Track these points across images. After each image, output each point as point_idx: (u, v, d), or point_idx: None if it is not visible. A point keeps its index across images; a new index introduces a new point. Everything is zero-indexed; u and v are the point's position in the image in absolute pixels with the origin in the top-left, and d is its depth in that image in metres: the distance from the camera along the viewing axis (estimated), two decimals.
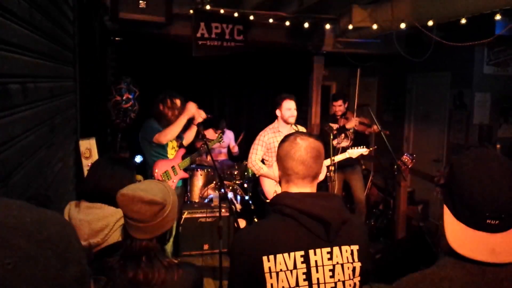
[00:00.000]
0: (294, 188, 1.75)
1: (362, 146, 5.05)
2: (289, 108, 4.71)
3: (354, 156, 5.08)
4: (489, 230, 1.20)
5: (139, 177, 4.71)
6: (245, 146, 7.18)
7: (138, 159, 5.93)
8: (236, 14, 5.96)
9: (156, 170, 4.47)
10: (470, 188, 1.23)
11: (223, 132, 5.31)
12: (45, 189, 2.45)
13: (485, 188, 1.20)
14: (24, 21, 2.02)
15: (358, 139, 5.96)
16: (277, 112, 4.80)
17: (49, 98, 2.64)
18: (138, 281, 1.62)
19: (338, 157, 5.06)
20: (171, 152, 4.64)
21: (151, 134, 4.45)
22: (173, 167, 4.58)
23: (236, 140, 7.44)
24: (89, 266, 0.73)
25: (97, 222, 1.90)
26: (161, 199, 1.65)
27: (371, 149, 5.09)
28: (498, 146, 5.89)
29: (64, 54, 3.24)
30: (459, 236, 1.24)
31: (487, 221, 1.19)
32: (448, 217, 1.29)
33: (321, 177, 1.83)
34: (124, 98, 5.32)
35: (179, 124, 4.44)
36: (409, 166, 5.01)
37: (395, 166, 4.92)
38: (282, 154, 1.78)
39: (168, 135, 4.40)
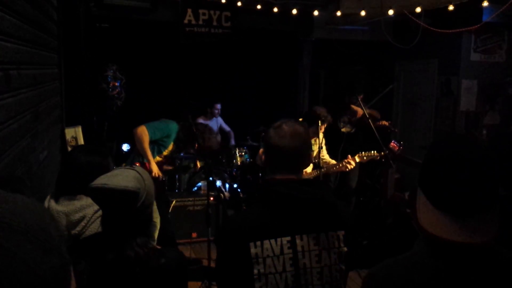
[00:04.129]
0: (279, 174, 1.76)
1: (373, 152, 4.79)
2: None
3: (364, 161, 4.80)
4: (459, 212, 1.19)
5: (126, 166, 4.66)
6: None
7: (125, 147, 5.89)
8: (223, 0, 5.90)
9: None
10: (442, 169, 1.23)
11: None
12: (30, 178, 2.42)
13: (456, 169, 1.20)
14: (5, 7, 1.98)
15: (362, 128, 5.93)
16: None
17: (33, 86, 2.60)
18: (119, 263, 1.60)
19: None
20: (165, 152, 4.55)
21: (151, 125, 4.31)
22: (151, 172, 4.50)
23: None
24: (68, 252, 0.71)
25: (75, 213, 1.87)
26: (133, 188, 1.59)
27: (382, 153, 4.77)
28: (484, 132, 5.94)
29: (48, 41, 3.18)
30: (430, 217, 1.24)
31: (457, 200, 1.19)
32: (421, 199, 1.29)
33: (309, 169, 1.84)
34: (110, 85, 5.26)
35: (144, 153, 4.32)
36: (397, 153, 5.01)
37: (382, 153, 4.92)
38: (267, 140, 1.79)
39: (139, 143, 4.26)
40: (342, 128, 5.71)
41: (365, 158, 4.77)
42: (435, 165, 1.26)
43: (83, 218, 1.88)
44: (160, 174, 4.40)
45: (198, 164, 4.79)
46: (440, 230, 1.21)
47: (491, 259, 1.24)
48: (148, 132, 4.22)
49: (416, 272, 1.25)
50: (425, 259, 1.26)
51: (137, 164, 4.32)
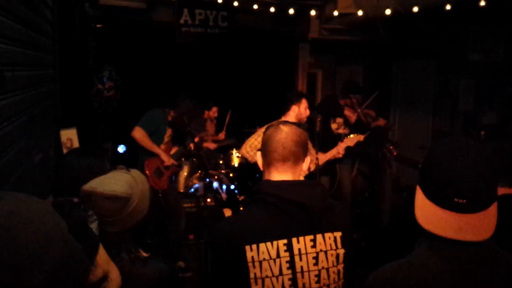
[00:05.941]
0: (275, 174, 1.76)
1: (356, 134, 4.91)
2: (307, 107, 4.48)
3: (351, 145, 4.94)
4: (457, 209, 1.21)
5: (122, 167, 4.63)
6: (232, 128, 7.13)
7: (121, 149, 5.85)
8: (220, 0, 5.87)
9: (147, 172, 4.43)
10: (441, 167, 1.25)
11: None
12: (25, 180, 2.39)
13: (455, 168, 1.22)
14: (0, 8, 1.95)
15: (358, 129, 5.93)
16: (294, 108, 4.46)
17: (28, 87, 2.57)
18: None
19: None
20: (166, 138, 4.72)
21: (142, 122, 4.52)
22: (163, 163, 4.56)
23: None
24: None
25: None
26: (123, 193, 1.58)
27: (368, 134, 4.89)
28: (482, 132, 5.92)
29: (43, 42, 3.15)
30: (428, 214, 1.26)
31: (455, 199, 1.20)
32: (419, 196, 1.30)
33: (305, 167, 1.82)
34: (106, 86, 5.24)
35: (152, 150, 4.54)
36: (394, 154, 5.01)
37: (380, 154, 4.92)
38: (265, 138, 1.80)
39: (143, 143, 4.48)
40: (338, 129, 5.69)
41: (350, 139, 4.85)
42: (436, 164, 1.27)
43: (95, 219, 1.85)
44: (173, 161, 4.67)
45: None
46: (440, 229, 1.22)
47: (491, 258, 1.24)
48: (143, 129, 4.47)
49: (418, 275, 1.24)
50: (427, 261, 1.25)
51: (147, 162, 4.42)
